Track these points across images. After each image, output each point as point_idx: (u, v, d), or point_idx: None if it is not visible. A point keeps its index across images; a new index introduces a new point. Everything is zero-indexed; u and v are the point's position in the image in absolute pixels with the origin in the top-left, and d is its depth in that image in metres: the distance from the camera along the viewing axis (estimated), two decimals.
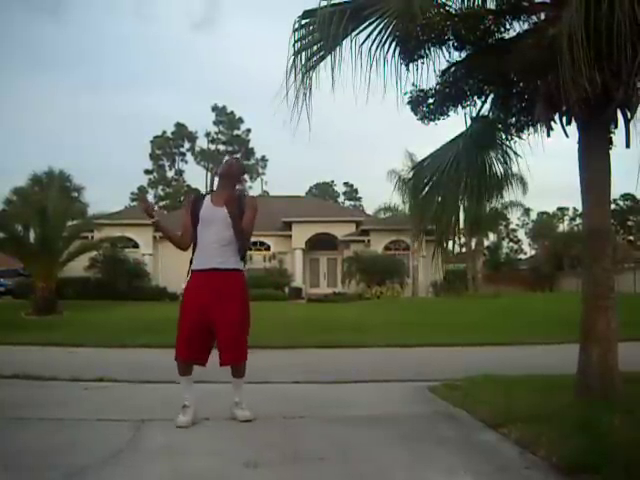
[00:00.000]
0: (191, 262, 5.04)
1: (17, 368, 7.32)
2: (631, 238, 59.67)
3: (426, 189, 6.57)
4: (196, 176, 68.74)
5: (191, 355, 4.83)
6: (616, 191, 51.71)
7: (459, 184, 6.32)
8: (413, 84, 5.93)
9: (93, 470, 3.56)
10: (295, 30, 5.65)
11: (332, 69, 5.53)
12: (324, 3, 5.49)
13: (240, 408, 4.88)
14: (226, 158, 5.58)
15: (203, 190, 55.71)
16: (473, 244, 37.48)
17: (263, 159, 66.57)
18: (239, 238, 4.93)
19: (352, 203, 74.37)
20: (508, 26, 5.71)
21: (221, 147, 64.55)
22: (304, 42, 5.70)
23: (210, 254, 4.90)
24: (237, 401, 4.92)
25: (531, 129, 5.98)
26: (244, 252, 5.10)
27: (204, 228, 4.95)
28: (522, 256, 64.59)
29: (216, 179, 5.30)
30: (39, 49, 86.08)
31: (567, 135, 5.43)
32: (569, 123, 5.45)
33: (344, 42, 5.60)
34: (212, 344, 4.87)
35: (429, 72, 5.86)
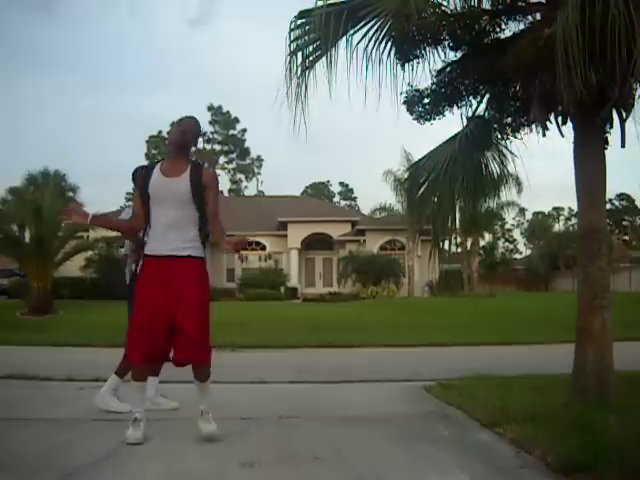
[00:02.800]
0: (142, 245, 4.34)
1: (12, 368, 7.31)
2: (626, 238, 59.86)
3: (422, 189, 6.58)
4: None
5: (148, 357, 4.14)
6: (611, 191, 51.90)
7: (455, 184, 6.32)
8: (409, 84, 5.94)
9: (88, 470, 3.54)
10: (291, 30, 5.64)
11: (328, 69, 5.54)
12: (320, 3, 5.49)
13: (206, 420, 4.20)
14: (180, 119, 4.37)
15: None
16: (469, 244, 37.56)
17: (258, 159, 66.52)
18: (209, 225, 4.27)
19: (347, 203, 74.42)
20: (504, 26, 5.71)
21: (217, 147, 64.47)
22: (300, 42, 5.70)
23: (164, 237, 4.19)
24: (203, 409, 4.23)
25: (527, 129, 5.98)
26: (207, 236, 4.34)
27: (155, 205, 4.21)
28: (517, 256, 64.75)
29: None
30: (33, 48, 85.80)
31: (562, 135, 5.44)
32: (564, 123, 5.46)
33: (340, 42, 5.61)
34: (172, 341, 4.17)
35: (425, 72, 5.87)
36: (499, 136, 6.32)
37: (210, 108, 63.82)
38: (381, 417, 5.10)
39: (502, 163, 6.41)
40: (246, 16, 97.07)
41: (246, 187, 65.38)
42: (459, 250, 36.64)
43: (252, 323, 16.03)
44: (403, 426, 4.71)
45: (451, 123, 6.34)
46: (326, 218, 35.23)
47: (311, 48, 5.70)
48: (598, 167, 5.41)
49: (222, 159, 64.29)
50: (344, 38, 5.62)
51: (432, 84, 6.00)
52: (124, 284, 5.24)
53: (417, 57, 5.74)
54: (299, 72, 5.61)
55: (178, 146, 4.33)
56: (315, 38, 5.63)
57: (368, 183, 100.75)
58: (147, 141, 63.91)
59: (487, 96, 6.18)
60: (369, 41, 5.66)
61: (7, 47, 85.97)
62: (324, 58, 5.61)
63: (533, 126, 5.85)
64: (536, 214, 67.87)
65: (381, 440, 4.27)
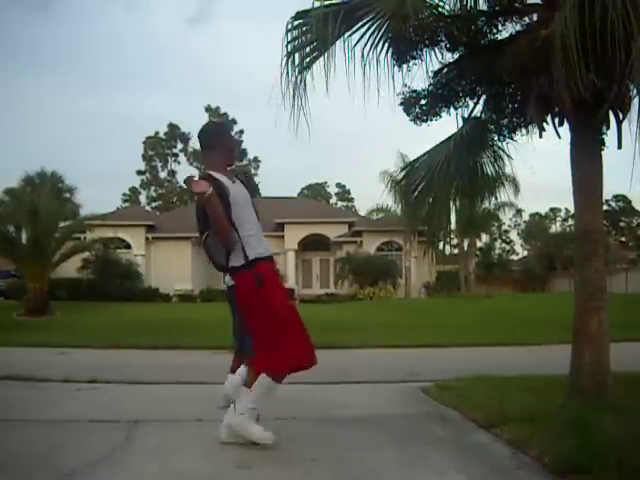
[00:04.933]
0: (235, 251, 4.09)
1: (9, 369, 7.29)
2: (623, 239, 59.97)
3: (418, 190, 6.58)
4: None
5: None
6: (608, 192, 51.96)
7: (451, 185, 6.33)
8: (405, 85, 5.95)
9: (85, 472, 3.54)
10: (288, 31, 5.63)
11: (325, 70, 5.53)
12: (317, 4, 5.49)
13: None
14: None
15: None
16: (465, 245, 37.53)
17: (256, 160, 66.44)
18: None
19: (344, 204, 74.36)
20: (500, 27, 5.71)
21: None
22: (297, 43, 5.69)
23: (262, 238, 4.28)
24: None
25: (523, 130, 5.99)
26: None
27: (246, 210, 4.21)
28: (514, 257, 64.76)
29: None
30: (31, 47, 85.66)
31: (559, 136, 5.45)
32: (561, 124, 5.46)
33: (337, 43, 5.60)
34: None
35: (422, 73, 5.88)
36: (495, 137, 6.32)
37: (208, 109, 63.76)
38: (378, 418, 5.10)
39: (498, 164, 6.41)
40: (245, 16, 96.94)
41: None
42: (456, 251, 36.62)
43: None
44: (400, 427, 4.71)
45: (448, 124, 6.35)
46: (323, 219, 35.23)
47: (308, 49, 5.70)
48: (594, 168, 5.41)
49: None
50: (341, 39, 5.62)
51: (429, 85, 6.00)
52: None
53: (414, 58, 5.74)
54: (296, 73, 5.60)
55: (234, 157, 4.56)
56: (312, 39, 5.63)
57: (365, 184, 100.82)
58: (144, 142, 63.91)
59: (484, 97, 6.18)
60: (366, 42, 5.67)
61: (6, 47, 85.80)
62: (321, 59, 5.61)
63: (530, 127, 5.86)
64: (533, 215, 68.00)
65: (378, 441, 4.27)
